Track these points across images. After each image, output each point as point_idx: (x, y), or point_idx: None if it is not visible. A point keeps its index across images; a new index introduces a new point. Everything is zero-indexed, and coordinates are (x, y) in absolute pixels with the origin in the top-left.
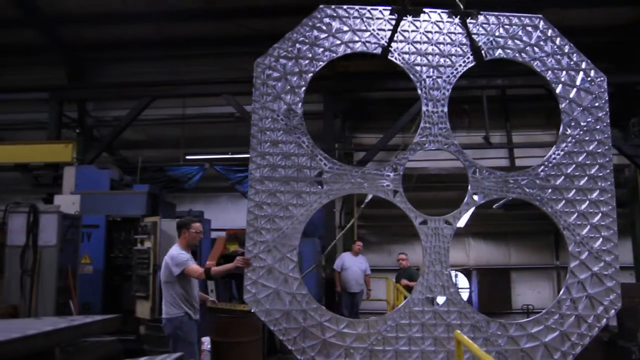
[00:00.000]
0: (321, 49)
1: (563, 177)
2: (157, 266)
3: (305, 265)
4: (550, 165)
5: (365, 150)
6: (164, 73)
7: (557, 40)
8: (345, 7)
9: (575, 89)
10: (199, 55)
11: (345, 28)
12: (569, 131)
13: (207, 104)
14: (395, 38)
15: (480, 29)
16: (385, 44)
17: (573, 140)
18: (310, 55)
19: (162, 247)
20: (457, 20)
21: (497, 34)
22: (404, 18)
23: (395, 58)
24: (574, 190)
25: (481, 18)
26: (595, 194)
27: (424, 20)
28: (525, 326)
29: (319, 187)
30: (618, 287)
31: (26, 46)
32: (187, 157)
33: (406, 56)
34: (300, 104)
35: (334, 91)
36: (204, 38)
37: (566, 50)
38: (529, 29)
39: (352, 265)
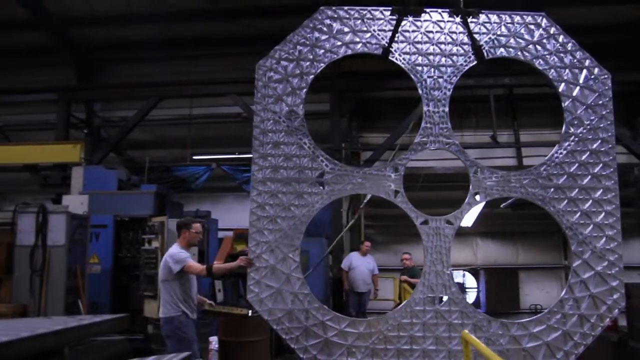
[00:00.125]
0: (322, 51)
1: (566, 176)
2: None
3: (312, 264)
4: (553, 164)
5: (372, 149)
6: (171, 73)
7: (560, 38)
8: (346, 8)
9: (578, 87)
10: (206, 56)
11: (346, 29)
12: (572, 130)
13: (213, 104)
14: (396, 38)
15: (482, 27)
16: (386, 45)
17: (576, 139)
18: (311, 56)
19: (169, 246)
20: (458, 19)
21: (498, 32)
22: (405, 18)
23: (396, 58)
24: (576, 189)
25: (483, 17)
26: (598, 193)
27: (425, 20)
28: (527, 326)
29: (321, 187)
30: (622, 286)
31: (35, 48)
32: (194, 157)
33: (407, 56)
34: (301, 106)
35: (341, 91)
36: (211, 38)
37: (569, 48)
38: (532, 27)
39: (360, 265)
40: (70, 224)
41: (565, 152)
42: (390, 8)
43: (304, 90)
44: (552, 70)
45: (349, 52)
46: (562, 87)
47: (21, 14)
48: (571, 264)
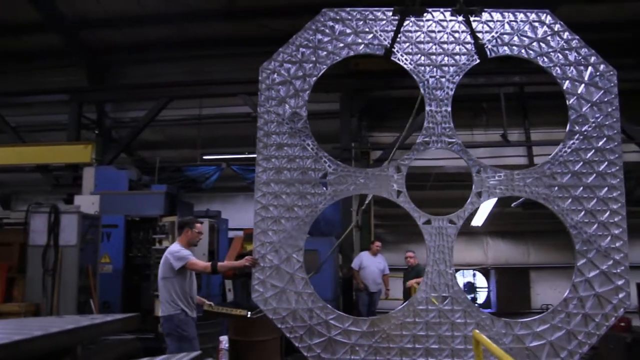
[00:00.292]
0: (324, 53)
1: (570, 174)
2: None
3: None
4: (557, 162)
5: (382, 149)
6: (182, 74)
7: (565, 35)
8: (348, 9)
9: (583, 84)
10: (216, 56)
11: (348, 30)
12: (576, 128)
13: (223, 104)
14: (398, 38)
15: (485, 26)
16: (388, 45)
17: (581, 137)
18: (313, 59)
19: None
20: (460, 18)
21: (502, 30)
22: (407, 18)
23: (398, 59)
24: (581, 188)
25: (486, 15)
26: (604, 191)
27: (427, 20)
28: (530, 325)
29: (324, 188)
30: (628, 285)
31: (48, 50)
32: (204, 157)
33: (409, 56)
34: (304, 108)
35: (351, 90)
36: (220, 39)
37: (574, 45)
38: (536, 24)
39: (370, 264)
40: (82, 224)
41: (569, 150)
42: (392, 8)
43: (307, 92)
44: (557, 68)
45: (351, 53)
46: (566, 85)
47: (34, 16)
48: (575, 263)
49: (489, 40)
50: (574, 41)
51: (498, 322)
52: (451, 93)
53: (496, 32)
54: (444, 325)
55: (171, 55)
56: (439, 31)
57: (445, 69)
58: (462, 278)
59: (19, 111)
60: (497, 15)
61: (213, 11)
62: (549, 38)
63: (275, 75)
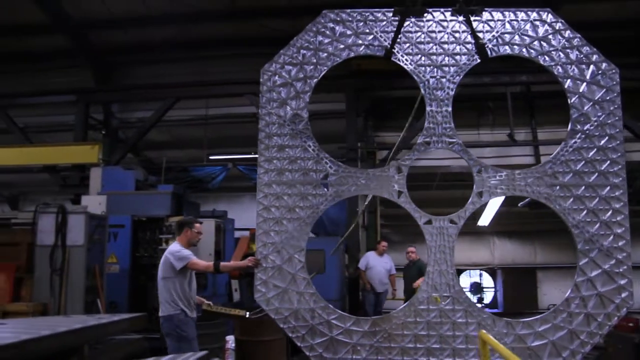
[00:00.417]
0: (325, 54)
1: (572, 173)
2: None
3: (328, 263)
4: (558, 162)
5: (388, 149)
6: (188, 74)
7: (566, 33)
8: (348, 10)
9: (585, 83)
10: (222, 56)
11: (349, 32)
12: (578, 127)
13: (230, 104)
14: (398, 39)
15: (485, 25)
16: (388, 46)
17: (583, 136)
18: (314, 60)
19: (195, 246)
20: (461, 18)
21: (502, 30)
22: (407, 19)
23: (399, 59)
24: (583, 187)
25: (486, 15)
26: (605, 190)
27: (427, 20)
28: (532, 324)
29: (325, 189)
30: (631, 285)
31: (54, 51)
32: (211, 157)
33: (409, 57)
34: (305, 109)
35: (356, 90)
36: (227, 39)
37: (575, 43)
38: (537, 23)
39: (377, 264)
40: (89, 224)
41: (571, 149)
42: (392, 9)
43: (308, 94)
44: (558, 67)
45: (352, 54)
46: (568, 84)
47: (40, 18)
48: (577, 263)
49: (489, 39)
50: (576, 39)
51: (499, 322)
52: (452, 93)
53: (497, 32)
54: (445, 325)
55: (176, 56)
56: (440, 31)
57: (446, 69)
58: (469, 278)
59: (27, 112)
60: (497, 15)
61: (217, 12)
62: (550, 37)
63: (276, 77)
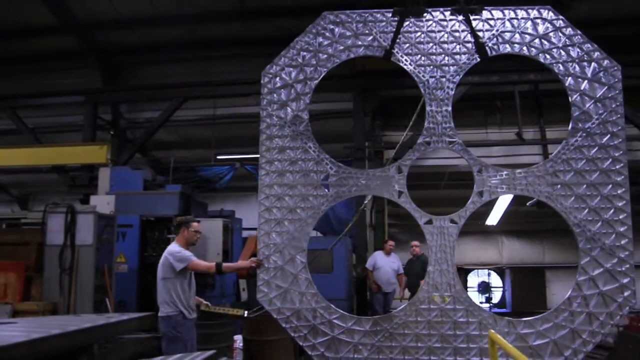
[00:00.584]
0: (325, 56)
1: (573, 172)
2: None
3: (336, 263)
4: (559, 160)
5: (395, 148)
6: (195, 74)
7: (567, 31)
8: (347, 12)
9: (586, 81)
10: (230, 56)
11: (348, 33)
12: (579, 125)
13: (237, 104)
14: (397, 39)
15: (485, 24)
16: (388, 47)
17: (584, 134)
18: (314, 62)
19: (194, 246)
20: (460, 17)
21: (502, 28)
22: (407, 19)
23: (398, 60)
24: (584, 186)
25: (486, 13)
26: (607, 189)
27: (427, 20)
28: (533, 324)
29: (326, 190)
30: (633, 283)
31: (63, 52)
32: (218, 157)
33: (409, 57)
34: (306, 111)
35: (364, 89)
36: (234, 39)
37: (576, 41)
38: (537, 21)
39: (384, 264)
40: (97, 223)
41: (572, 148)
42: (391, 10)
43: (308, 95)
44: (559, 65)
45: (351, 55)
46: (569, 82)
47: (49, 19)
48: (579, 261)
49: (489, 38)
50: (577, 37)
51: (501, 321)
52: (451, 93)
53: (497, 30)
54: (446, 324)
55: (184, 56)
56: (439, 31)
57: (446, 68)
58: (477, 278)
59: (36, 113)
60: (497, 13)
61: (224, 12)
62: (550, 34)
63: (277, 79)
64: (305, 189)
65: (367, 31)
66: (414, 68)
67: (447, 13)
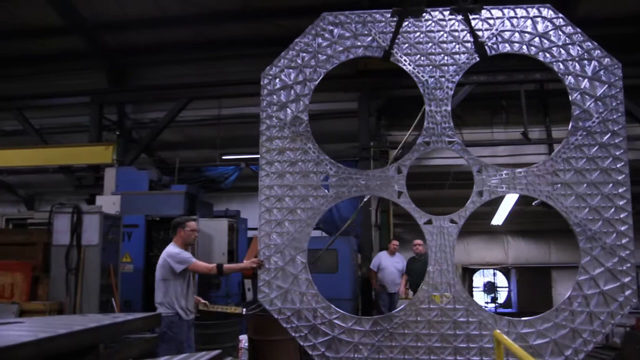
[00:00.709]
0: (324, 57)
1: (573, 171)
2: None
3: (341, 263)
4: (559, 160)
5: (400, 148)
6: (201, 75)
7: (567, 29)
8: (346, 12)
9: (586, 79)
10: (235, 56)
11: (347, 34)
12: (580, 124)
13: (242, 104)
14: (396, 40)
15: (484, 24)
16: (387, 47)
17: (584, 133)
18: (313, 63)
19: (200, 246)
20: (459, 17)
21: (502, 27)
22: (406, 19)
23: (397, 60)
24: (584, 185)
25: (485, 13)
26: (608, 188)
27: (426, 20)
28: (533, 323)
29: (326, 191)
30: (634, 282)
31: (69, 53)
32: (224, 157)
33: (408, 57)
34: (305, 112)
35: (369, 89)
36: (239, 39)
37: (576, 39)
38: (537, 19)
39: (389, 265)
40: (103, 224)
41: (572, 147)
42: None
43: (308, 96)
44: (559, 64)
45: (351, 56)
46: (569, 80)
47: (56, 20)
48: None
49: (488, 37)
50: (576, 35)
51: (501, 321)
52: (451, 93)
53: (496, 29)
54: (446, 324)
55: (190, 57)
56: (438, 31)
57: (445, 68)
58: (483, 277)
59: (42, 113)
60: (496, 12)
61: (229, 12)
62: (550, 33)
63: (276, 81)
64: (305, 190)
65: (366, 32)
66: (413, 68)
67: (447, 13)
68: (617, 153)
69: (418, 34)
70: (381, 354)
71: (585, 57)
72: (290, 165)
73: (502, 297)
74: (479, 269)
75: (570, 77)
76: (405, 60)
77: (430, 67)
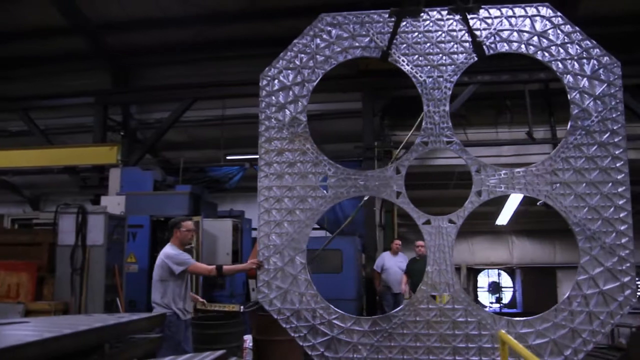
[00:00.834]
0: (322, 58)
1: (572, 171)
2: None
3: (346, 263)
4: (558, 159)
5: (404, 148)
6: (205, 75)
7: (566, 28)
8: (344, 13)
9: (585, 78)
10: (239, 57)
11: (345, 35)
12: (579, 123)
13: (246, 104)
14: (394, 40)
15: (482, 23)
16: (385, 48)
17: (583, 132)
18: (312, 64)
19: (204, 246)
20: (457, 16)
21: (500, 27)
22: (404, 19)
23: (395, 60)
24: (584, 184)
25: (484, 12)
26: (607, 187)
27: (423, 20)
28: (532, 323)
29: (325, 191)
30: (634, 282)
31: (73, 54)
32: (228, 158)
33: (406, 57)
34: (304, 113)
35: (373, 89)
36: (243, 40)
37: (575, 38)
38: (535, 18)
39: (392, 265)
40: (108, 224)
41: (571, 146)
42: (388, 10)
43: (306, 97)
44: (558, 62)
45: (349, 57)
46: (568, 79)
47: (59, 21)
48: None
49: (486, 37)
50: (575, 34)
51: (500, 321)
52: (449, 93)
53: (494, 29)
54: (445, 324)
55: (193, 57)
56: (436, 30)
57: (443, 68)
58: (487, 278)
59: (47, 114)
60: (495, 11)
61: (232, 12)
62: (549, 32)
63: (275, 82)
64: (304, 191)
65: (364, 32)
66: (411, 68)
67: (444, 12)
68: (617, 152)
69: (416, 34)
70: (380, 354)
71: (584, 55)
72: (289, 166)
73: (506, 297)
74: (484, 269)
75: (569, 76)
76: (403, 61)
77: (428, 67)
